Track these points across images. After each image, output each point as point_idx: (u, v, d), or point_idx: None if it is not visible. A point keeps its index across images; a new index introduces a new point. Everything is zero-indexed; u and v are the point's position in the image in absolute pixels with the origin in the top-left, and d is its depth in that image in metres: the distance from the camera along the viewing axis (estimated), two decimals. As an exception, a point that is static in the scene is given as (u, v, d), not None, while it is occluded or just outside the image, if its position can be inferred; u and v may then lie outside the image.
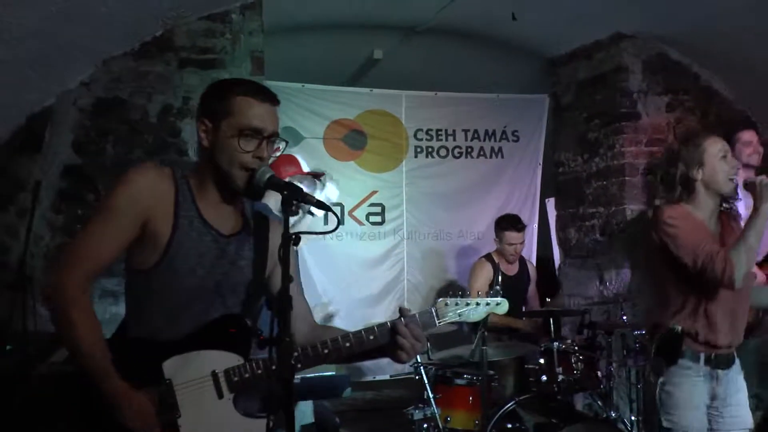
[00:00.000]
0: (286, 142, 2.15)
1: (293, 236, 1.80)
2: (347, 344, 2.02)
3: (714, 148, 2.88)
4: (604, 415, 4.08)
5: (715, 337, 2.81)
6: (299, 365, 2.01)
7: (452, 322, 2.17)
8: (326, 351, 2.01)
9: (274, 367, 1.79)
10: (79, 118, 4.63)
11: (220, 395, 1.96)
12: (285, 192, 1.89)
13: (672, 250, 2.80)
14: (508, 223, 5.12)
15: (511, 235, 5.05)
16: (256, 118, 1.98)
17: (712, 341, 2.82)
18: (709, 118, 5.77)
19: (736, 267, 2.69)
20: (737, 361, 2.94)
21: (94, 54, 4.52)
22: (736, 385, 2.90)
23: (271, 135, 2.01)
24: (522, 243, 5.17)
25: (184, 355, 1.94)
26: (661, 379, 2.86)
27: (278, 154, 2.09)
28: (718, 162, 2.86)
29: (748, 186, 2.83)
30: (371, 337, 2.02)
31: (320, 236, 3.77)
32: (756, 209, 2.76)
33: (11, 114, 4.38)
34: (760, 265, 4.11)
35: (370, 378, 6.01)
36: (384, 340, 2.03)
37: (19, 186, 4.45)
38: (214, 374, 1.95)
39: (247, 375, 1.97)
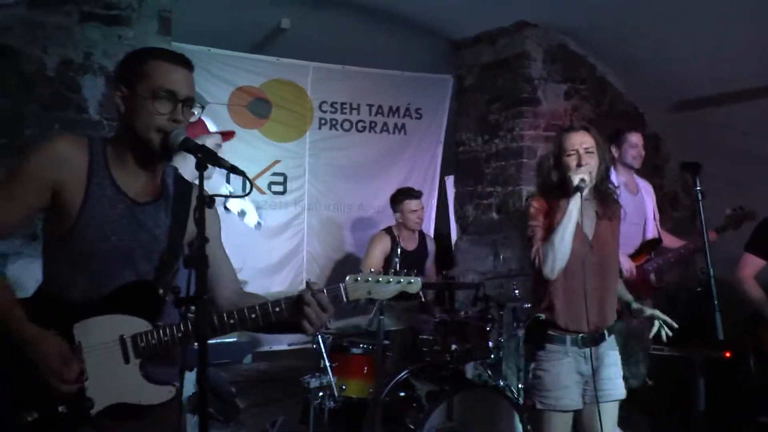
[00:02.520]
0: (203, 108, 2.15)
1: (209, 198, 1.83)
2: (252, 315, 2.03)
3: (566, 143, 3.04)
4: (493, 383, 4.27)
5: (576, 324, 2.99)
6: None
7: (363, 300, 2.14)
8: (231, 321, 2.04)
9: (191, 327, 1.87)
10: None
11: (127, 360, 1.97)
12: (199, 155, 1.90)
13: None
14: (404, 194, 5.16)
15: (410, 203, 5.08)
16: (169, 80, 1.99)
17: (573, 327, 2.99)
18: (602, 107, 6.07)
19: (545, 260, 2.94)
20: (609, 338, 3.10)
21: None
22: (607, 360, 3.06)
23: (186, 99, 2.02)
24: (422, 209, 5.21)
25: (93, 318, 1.95)
26: (532, 365, 3.05)
27: (194, 119, 2.09)
28: (564, 157, 3.02)
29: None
30: (277, 309, 2.04)
31: (220, 203, 3.76)
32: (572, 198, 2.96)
33: None
34: (632, 256, 4.42)
35: (266, 348, 6.02)
36: (289, 313, 2.05)
37: None
38: (122, 339, 1.96)
39: (153, 341, 1.98)
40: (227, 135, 4.18)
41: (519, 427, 3.83)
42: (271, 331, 2.17)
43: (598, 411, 2.98)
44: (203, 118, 4.05)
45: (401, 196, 5.17)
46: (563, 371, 2.98)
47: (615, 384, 3.07)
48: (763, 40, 4.48)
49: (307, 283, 2.08)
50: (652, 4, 4.78)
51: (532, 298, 3.20)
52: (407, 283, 2.16)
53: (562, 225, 2.93)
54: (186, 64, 2.06)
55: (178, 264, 2.14)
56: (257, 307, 2.04)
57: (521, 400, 4.16)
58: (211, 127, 4.15)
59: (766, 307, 3.81)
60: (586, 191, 2.96)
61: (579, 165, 2.99)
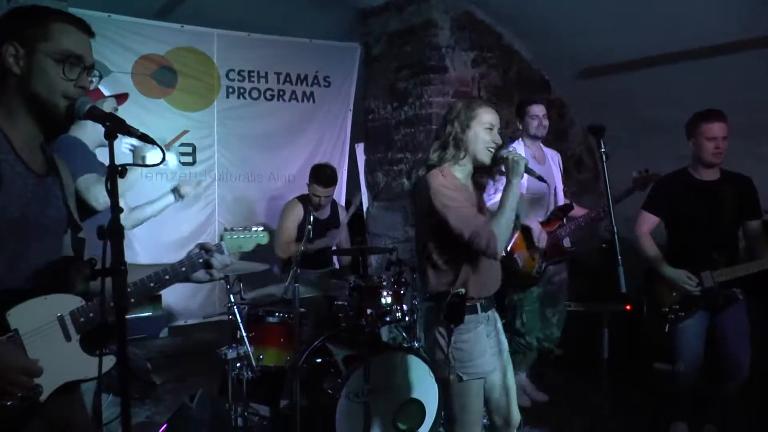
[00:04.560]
0: (101, 76, 2.07)
1: (120, 167, 1.79)
2: (167, 277, 2.13)
3: (485, 117, 3.01)
4: (408, 345, 4.36)
5: (484, 291, 3.05)
6: (133, 300, 2.04)
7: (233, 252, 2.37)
8: (152, 284, 2.09)
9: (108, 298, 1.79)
10: None
11: (68, 338, 1.94)
12: (108, 123, 1.84)
13: (443, 219, 2.91)
14: (317, 175, 5.07)
15: (317, 188, 5.03)
16: (77, 45, 1.90)
17: (482, 294, 3.05)
18: (509, 75, 6.18)
19: (498, 240, 2.89)
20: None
21: None
22: (495, 316, 3.17)
23: (90, 66, 1.95)
24: (328, 197, 5.14)
25: (27, 302, 1.88)
26: (452, 339, 2.96)
27: (92, 87, 2.02)
28: (482, 131, 2.99)
29: (500, 160, 2.99)
30: (183, 269, 2.17)
31: (128, 174, 3.67)
32: (509, 182, 2.96)
33: None
34: (544, 223, 4.59)
35: (181, 322, 5.92)
36: (193, 271, 2.19)
37: None
38: (60, 318, 1.93)
39: (91, 314, 1.96)
40: (121, 98, 4.04)
41: (435, 385, 3.94)
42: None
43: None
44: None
45: (314, 175, 5.08)
46: (481, 338, 3.04)
47: (504, 336, 3.20)
48: (666, 9, 4.66)
49: (199, 244, 2.25)
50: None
51: (443, 274, 3.02)
52: (256, 236, 2.45)
53: (510, 200, 2.93)
54: (89, 30, 1.98)
55: (83, 233, 2.11)
56: (169, 269, 2.14)
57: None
58: (104, 92, 4.03)
59: (659, 262, 4.03)
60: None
61: (496, 143, 3.00)
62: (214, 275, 2.27)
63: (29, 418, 1.84)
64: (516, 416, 3.17)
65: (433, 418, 4.05)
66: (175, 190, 3.91)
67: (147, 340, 4.90)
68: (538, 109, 4.73)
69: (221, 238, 2.38)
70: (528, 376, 4.99)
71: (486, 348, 3.05)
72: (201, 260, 2.21)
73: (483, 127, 3.00)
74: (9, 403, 1.79)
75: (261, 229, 2.51)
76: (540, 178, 3.13)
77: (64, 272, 1.97)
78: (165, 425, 3.90)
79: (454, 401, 3.00)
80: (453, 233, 2.90)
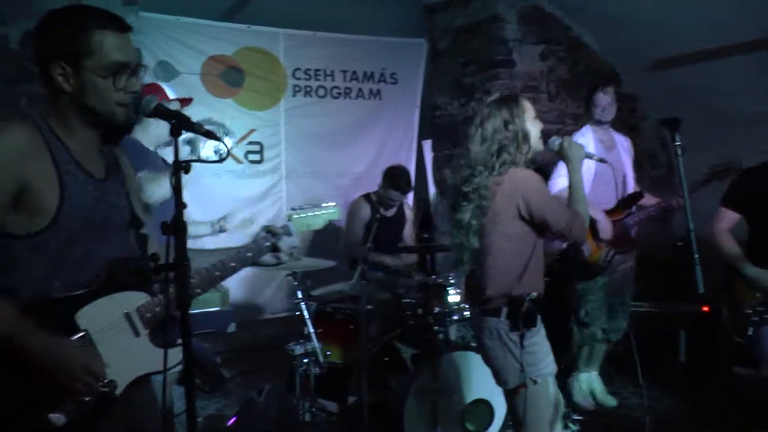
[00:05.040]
0: (146, 68, 2.04)
1: (184, 164, 1.80)
2: (232, 264, 2.17)
3: (530, 108, 2.99)
4: (475, 344, 4.31)
5: (540, 286, 2.96)
6: (199, 290, 2.07)
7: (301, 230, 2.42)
8: (218, 273, 2.14)
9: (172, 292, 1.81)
10: None
11: (137, 334, 1.97)
12: (173, 121, 1.86)
13: (533, 214, 2.85)
14: (396, 182, 5.01)
15: (394, 194, 5.02)
16: (121, 52, 1.89)
17: (540, 290, 2.96)
18: (578, 68, 6.06)
19: (586, 224, 2.93)
20: None
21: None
22: None
23: (137, 66, 1.95)
24: (403, 202, 5.18)
25: (94, 303, 1.90)
26: (524, 344, 2.85)
27: (141, 77, 2.02)
28: (533, 121, 2.97)
29: (557, 148, 3.03)
30: (249, 254, 2.22)
31: (197, 173, 3.73)
32: (572, 168, 2.98)
33: None
34: (612, 211, 4.46)
35: (248, 318, 6.00)
36: (259, 256, 2.25)
37: None
38: (128, 315, 1.96)
39: (157, 309, 1.99)
40: (185, 101, 4.11)
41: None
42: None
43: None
44: (163, 85, 3.99)
45: (391, 182, 5.03)
46: (545, 337, 2.98)
47: None
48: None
49: (265, 227, 2.29)
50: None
51: (507, 274, 2.91)
52: (326, 213, 2.50)
53: (577, 182, 2.97)
54: (127, 27, 1.94)
55: (145, 229, 2.14)
56: (235, 255, 2.18)
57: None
58: (170, 94, 4.09)
59: (740, 261, 3.86)
60: None
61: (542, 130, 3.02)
62: (281, 258, 2.29)
63: (105, 412, 1.88)
64: (562, 402, 3.12)
65: (502, 420, 3.99)
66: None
67: (215, 335, 4.97)
68: (601, 96, 4.60)
69: (288, 219, 2.38)
70: (599, 375, 4.85)
71: (549, 346, 2.98)
72: (268, 244, 2.23)
73: (532, 118, 2.99)
74: (87, 399, 1.83)
75: (331, 204, 2.46)
76: (601, 160, 3.20)
77: (125, 271, 1.99)
78: (234, 417, 3.96)
79: (527, 406, 2.87)
80: (549, 228, 2.88)
